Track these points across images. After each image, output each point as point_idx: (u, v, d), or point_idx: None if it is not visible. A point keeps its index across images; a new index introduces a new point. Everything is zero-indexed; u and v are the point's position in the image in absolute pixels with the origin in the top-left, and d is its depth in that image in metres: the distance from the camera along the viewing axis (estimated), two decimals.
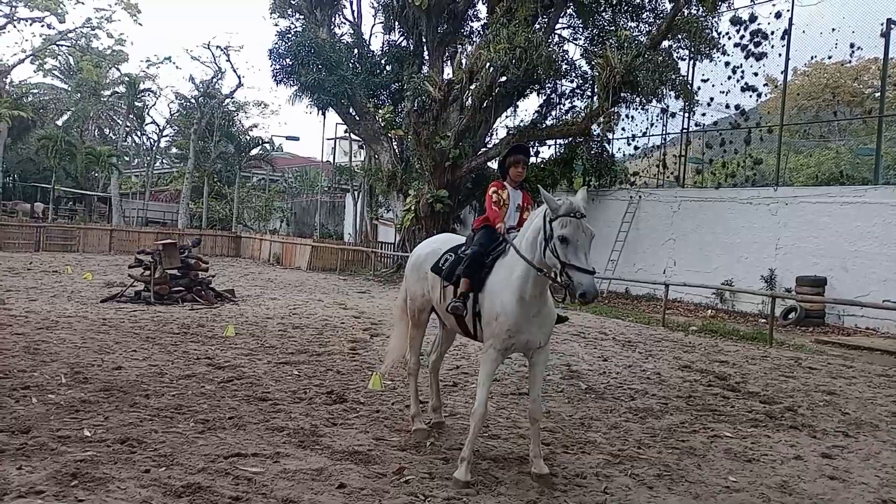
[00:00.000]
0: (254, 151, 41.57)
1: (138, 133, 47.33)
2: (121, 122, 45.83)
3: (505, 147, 22.90)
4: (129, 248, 27.61)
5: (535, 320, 4.73)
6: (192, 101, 40.94)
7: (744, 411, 7.12)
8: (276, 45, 24.37)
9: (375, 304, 15.31)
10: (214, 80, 39.08)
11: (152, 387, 6.53)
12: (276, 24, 27.39)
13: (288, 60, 24.10)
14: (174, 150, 49.39)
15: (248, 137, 41.64)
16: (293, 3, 27.23)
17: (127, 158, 49.94)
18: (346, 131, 32.13)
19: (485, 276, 4.92)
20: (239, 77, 47.38)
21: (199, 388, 6.63)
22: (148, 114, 43.09)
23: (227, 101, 40.77)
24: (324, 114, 27.24)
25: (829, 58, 21.82)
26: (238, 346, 9.04)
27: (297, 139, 42.31)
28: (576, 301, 4.27)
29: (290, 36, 24.57)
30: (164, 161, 51.55)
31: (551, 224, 4.38)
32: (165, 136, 48.27)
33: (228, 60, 52.17)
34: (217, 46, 39.75)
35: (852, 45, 18.88)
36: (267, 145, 43.14)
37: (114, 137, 47.37)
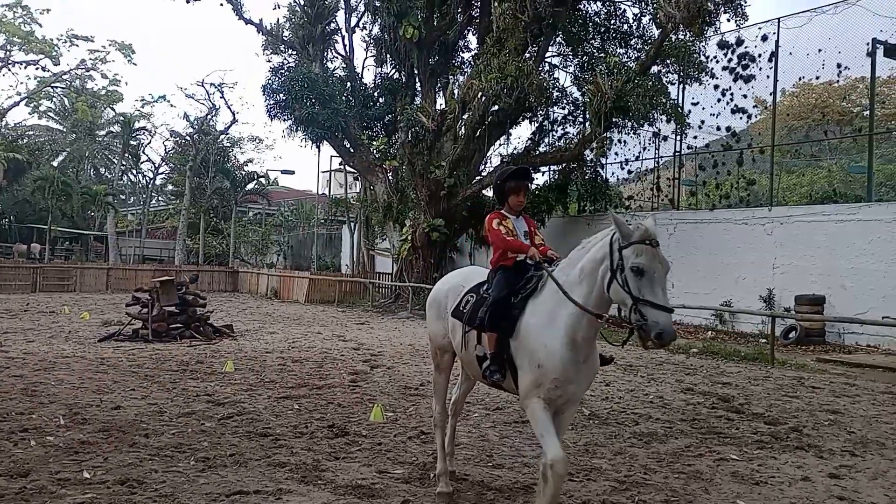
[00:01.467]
0: (249, 186, 41.74)
1: (134, 171, 47.59)
2: (116, 161, 46.04)
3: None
4: (126, 286, 27.58)
5: (584, 367, 4.09)
6: (187, 138, 41.22)
7: (749, 433, 7.06)
8: (270, 81, 24.63)
9: (374, 336, 15.26)
10: (209, 116, 39.44)
11: (152, 426, 6.47)
12: (269, 61, 27.69)
13: (281, 95, 24.34)
14: (170, 187, 49.58)
15: (243, 172, 41.89)
16: (285, 39, 27.58)
17: (123, 197, 50.09)
18: (340, 163, 32.27)
19: (516, 319, 4.22)
20: (233, 113, 47.90)
21: (199, 425, 6.57)
22: (143, 152, 43.45)
23: (222, 137, 41.10)
24: (318, 147, 27.45)
25: (817, 78, 22.02)
26: (237, 381, 8.98)
27: (292, 173, 42.54)
28: (648, 343, 3.72)
29: (283, 71, 24.85)
30: (160, 198, 51.71)
31: (621, 252, 3.81)
32: (161, 173, 48.52)
33: (222, 97, 52.60)
34: (211, 84, 40.33)
35: (839, 66, 19.06)
36: (262, 180, 43.35)
37: (109, 176, 47.57)
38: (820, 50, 18.44)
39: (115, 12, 79.01)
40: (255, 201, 46.47)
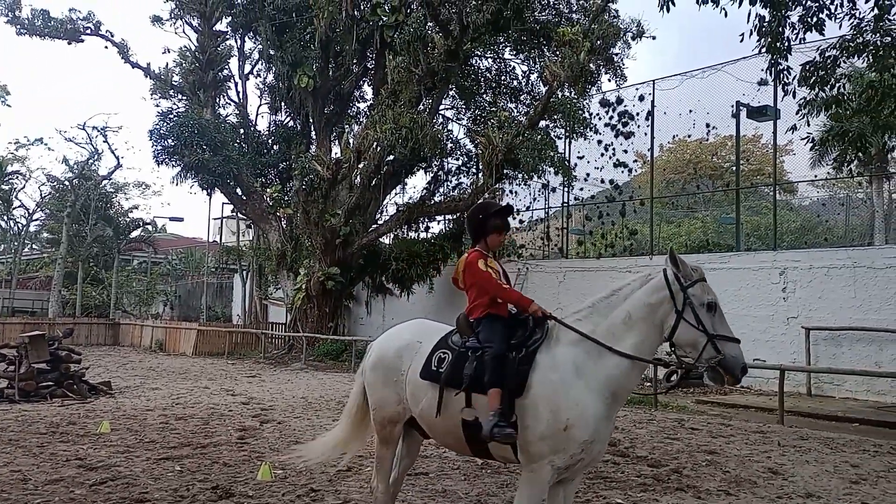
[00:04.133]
0: (134, 234, 39.89)
1: (5, 218, 44.40)
2: None
3: (397, 222, 23.36)
4: None
5: (610, 423, 3.82)
6: (66, 183, 39.03)
7: (633, 476, 7.30)
8: (158, 126, 23.92)
9: (266, 388, 14.76)
10: (91, 161, 37.57)
11: (14, 495, 5.94)
12: (157, 105, 27.02)
13: (170, 141, 23.65)
14: (45, 234, 46.57)
15: (127, 219, 40.01)
16: (175, 84, 27.00)
17: None
18: (233, 210, 31.55)
19: (525, 376, 3.81)
20: (117, 158, 45.66)
21: (67, 493, 6.09)
22: (16, 197, 40.62)
23: (105, 182, 39.20)
24: (209, 194, 26.71)
25: (689, 136, 23.74)
26: (113, 443, 8.41)
27: (181, 220, 41.19)
28: (727, 379, 3.67)
29: (172, 116, 24.23)
30: (33, 246, 48.42)
31: (686, 291, 3.73)
32: (35, 219, 45.51)
33: (106, 141, 50.16)
34: (94, 127, 38.35)
35: (708, 125, 20.64)
36: (149, 227, 41.54)
37: None
38: (691, 110, 19.92)
39: None
40: (140, 249, 44.37)
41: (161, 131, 23.75)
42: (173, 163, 24.15)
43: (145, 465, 7.23)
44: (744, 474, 7.47)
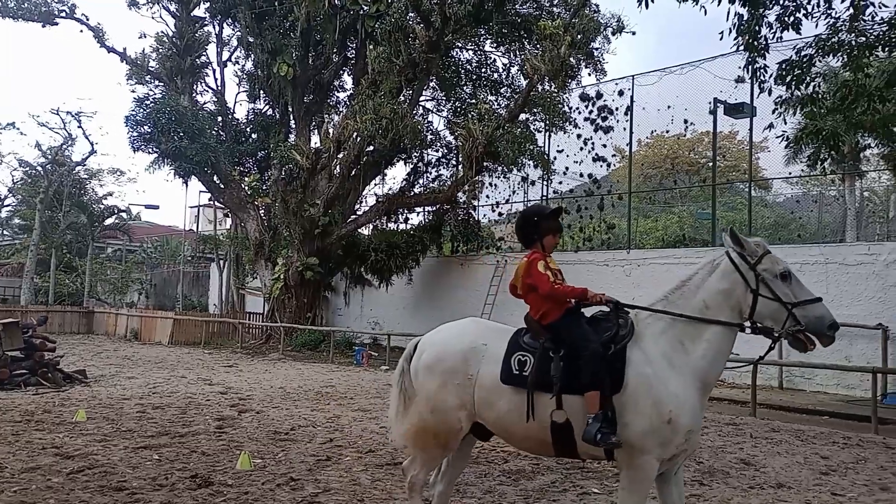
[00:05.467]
0: (108, 221, 39.40)
1: None
2: None
3: (376, 213, 23.35)
4: None
5: (703, 413, 3.91)
6: (39, 168, 38.38)
7: (609, 467, 7.39)
8: (134, 112, 23.55)
9: (243, 378, 14.72)
10: (64, 146, 36.97)
11: None
12: (133, 91, 26.63)
13: (147, 128, 23.30)
14: (17, 220, 45.81)
15: (102, 206, 39.48)
16: (151, 69, 26.63)
17: None
18: (210, 199, 31.26)
19: (618, 373, 3.81)
20: (92, 144, 44.98)
21: (44, 481, 6.05)
22: None
23: (79, 168, 38.62)
24: (186, 182, 26.41)
25: (668, 132, 23.95)
26: (90, 431, 8.36)
27: (156, 208, 40.76)
28: (823, 339, 3.70)
29: (148, 103, 23.87)
30: (5, 232, 47.61)
31: (755, 269, 3.79)
32: (7, 205, 44.78)
33: (80, 126, 49.38)
34: (68, 112, 37.69)
35: (686, 121, 20.84)
36: (123, 214, 41.05)
37: None
38: (669, 106, 20.10)
39: None
40: (114, 237, 43.87)
41: (137, 117, 23.41)
42: (150, 150, 23.84)
43: (123, 454, 7.21)
44: (717, 465, 7.62)
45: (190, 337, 25.16)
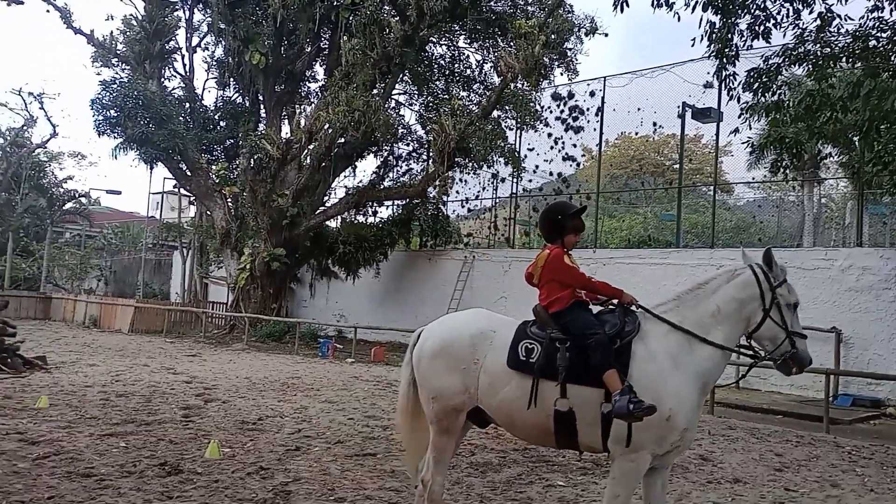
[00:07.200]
0: (68, 205, 38.52)
1: None
2: None
3: (346, 205, 23.26)
4: None
5: (699, 412, 4.11)
6: None
7: (574, 460, 7.56)
8: (100, 95, 23.07)
9: (208, 368, 14.59)
10: (24, 128, 36.06)
11: None
12: (99, 74, 26.07)
13: (113, 112, 22.85)
14: None
15: (61, 190, 38.59)
16: (119, 52, 26.12)
17: None
18: (175, 186, 30.78)
19: (623, 366, 3.91)
20: (53, 126, 44.15)
21: (10, 466, 5.97)
22: None
23: (39, 150, 37.71)
24: (152, 168, 25.97)
25: (636, 133, 24.32)
26: (53, 418, 8.24)
27: (118, 193, 40.09)
28: (794, 371, 4.02)
29: (114, 86, 23.40)
30: None
31: (774, 291, 4.00)
32: None
33: (42, 108, 48.24)
34: (30, 93, 36.76)
35: (654, 123, 21.19)
36: (83, 199, 40.19)
37: None
38: (639, 108, 20.42)
39: None
40: (74, 222, 42.92)
41: (103, 101, 22.93)
42: (115, 134, 23.36)
43: (89, 441, 7.14)
44: (677, 460, 7.81)
45: (151, 325, 24.78)
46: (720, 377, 4.18)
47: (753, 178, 22.55)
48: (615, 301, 4.27)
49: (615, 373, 3.85)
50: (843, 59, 10.29)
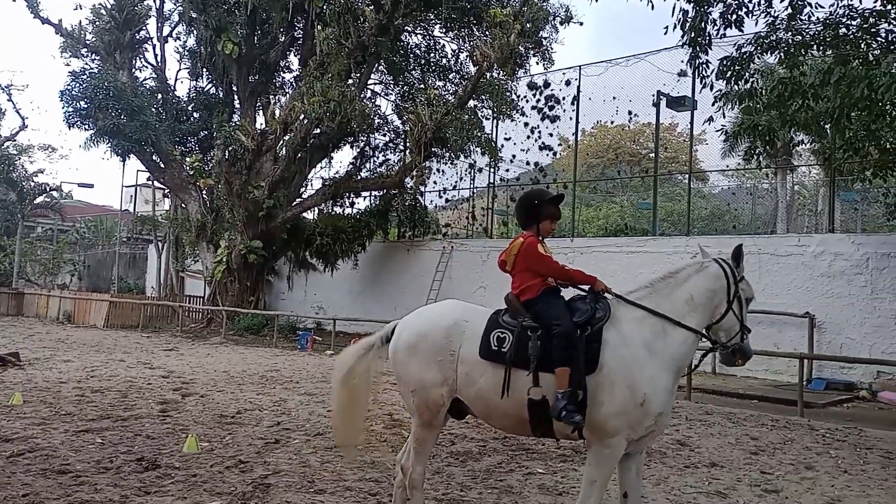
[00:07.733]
0: (39, 199, 37.82)
1: None
2: None
3: (322, 196, 23.12)
4: None
5: (674, 396, 4.20)
6: None
7: (553, 448, 7.62)
8: (69, 87, 22.63)
9: (185, 362, 14.46)
10: None
11: None
12: (69, 65, 25.60)
13: (83, 103, 22.42)
14: None
15: (32, 184, 37.88)
16: (88, 43, 25.64)
17: None
18: (148, 179, 30.38)
19: (594, 353, 3.94)
20: (22, 118, 43.19)
21: None
22: None
23: (8, 143, 36.96)
24: (124, 161, 25.59)
25: (612, 122, 24.41)
26: (27, 415, 8.12)
27: (90, 186, 39.15)
28: (738, 362, 4.23)
29: (84, 77, 22.97)
30: None
31: (737, 286, 4.19)
32: None
33: (10, 100, 47.25)
34: None
35: (630, 112, 21.28)
36: (55, 193, 39.51)
37: None
38: (615, 97, 20.49)
39: None
40: (45, 216, 42.18)
41: (73, 92, 22.49)
42: (86, 126, 22.96)
43: (64, 438, 7.05)
44: (654, 446, 7.90)
45: (126, 320, 24.48)
46: (691, 360, 4.31)
47: (728, 166, 22.80)
48: (586, 287, 4.30)
49: (567, 371, 3.87)
50: (814, 47, 10.41)
